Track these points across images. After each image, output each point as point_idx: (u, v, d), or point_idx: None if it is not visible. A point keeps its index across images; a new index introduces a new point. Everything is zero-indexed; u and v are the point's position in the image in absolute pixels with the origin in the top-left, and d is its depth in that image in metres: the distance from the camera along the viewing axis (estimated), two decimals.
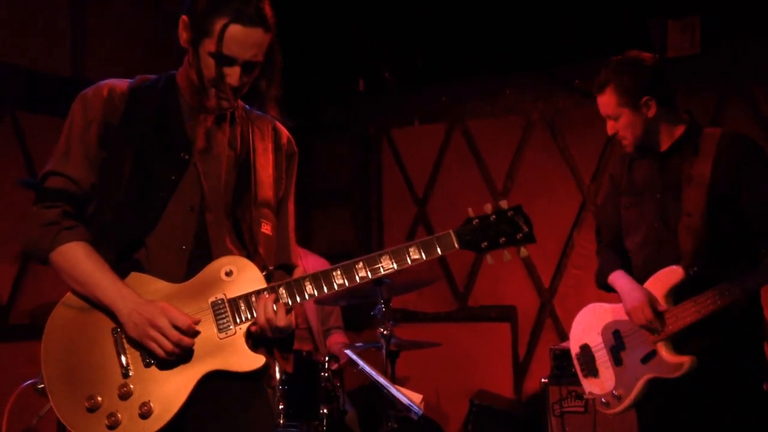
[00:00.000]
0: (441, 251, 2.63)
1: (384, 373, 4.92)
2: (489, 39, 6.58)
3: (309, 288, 2.59)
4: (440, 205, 7.15)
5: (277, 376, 4.39)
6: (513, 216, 2.66)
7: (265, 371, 2.62)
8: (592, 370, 3.89)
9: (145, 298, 2.54)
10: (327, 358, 4.77)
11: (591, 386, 3.90)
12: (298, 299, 2.59)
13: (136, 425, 2.49)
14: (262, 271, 2.63)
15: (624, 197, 3.82)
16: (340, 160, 7.46)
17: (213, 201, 2.66)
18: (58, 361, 2.57)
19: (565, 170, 6.61)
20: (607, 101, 3.69)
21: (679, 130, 3.68)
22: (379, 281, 4.81)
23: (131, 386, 2.52)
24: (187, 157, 2.65)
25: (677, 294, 3.58)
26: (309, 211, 7.29)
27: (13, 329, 5.26)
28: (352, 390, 6.05)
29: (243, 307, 2.57)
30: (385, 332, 5.19)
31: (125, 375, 2.53)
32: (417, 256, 2.61)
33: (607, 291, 3.91)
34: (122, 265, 2.59)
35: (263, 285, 2.60)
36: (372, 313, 5.14)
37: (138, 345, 2.53)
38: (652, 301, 3.57)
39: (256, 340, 2.63)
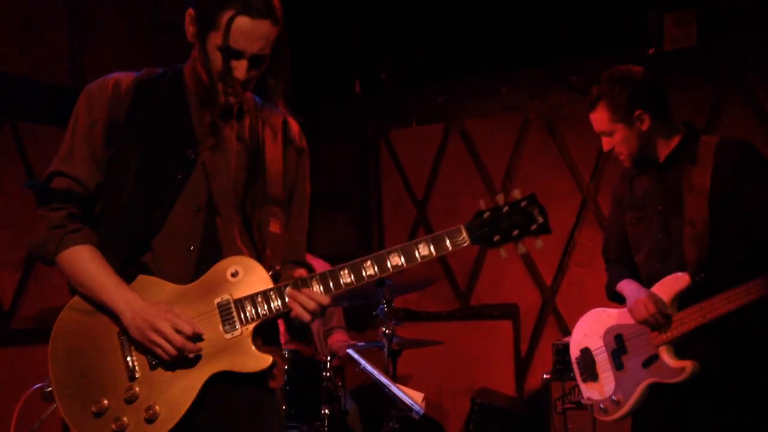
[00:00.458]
0: (451, 247, 2.54)
1: (386, 372, 4.92)
2: (484, 37, 6.55)
3: (316, 287, 2.55)
4: (440, 205, 7.14)
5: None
6: (527, 206, 2.56)
7: (270, 371, 2.59)
8: (591, 374, 3.85)
9: (151, 301, 2.51)
10: (328, 358, 4.78)
11: (590, 391, 3.86)
12: None
13: (142, 430, 2.47)
14: (268, 271, 2.59)
15: (629, 214, 3.79)
16: (338, 162, 7.45)
17: (222, 200, 2.62)
18: (66, 364, 2.55)
19: (564, 169, 6.59)
20: (599, 118, 3.67)
21: (676, 140, 3.65)
22: (381, 282, 4.82)
23: (137, 389, 2.50)
24: (193, 155, 2.61)
25: (682, 300, 3.55)
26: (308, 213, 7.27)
27: (16, 334, 5.27)
28: (354, 389, 6.07)
29: (249, 308, 2.53)
30: (387, 331, 5.20)
31: (131, 378, 2.51)
32: (426, 253, 2.54)
33: (617, 302, 3.86)
34: (130, 268, 2.57)
35: (269, 285, 2.56)
36: (374, 313, 5.15)
37: (143, 348, 2.51)
38: (655, 299, 3.55)
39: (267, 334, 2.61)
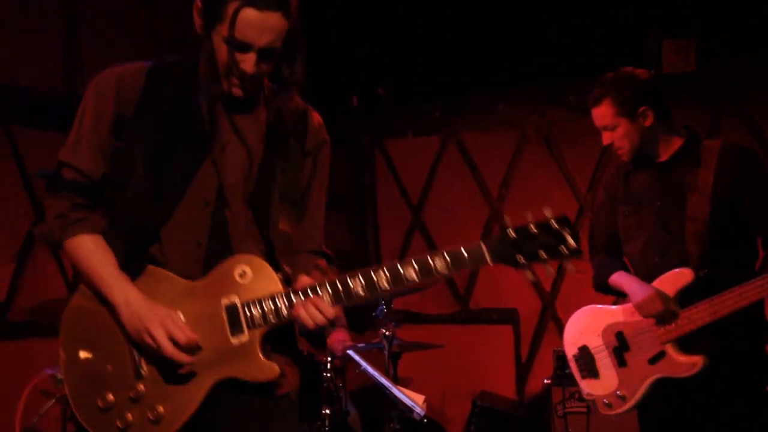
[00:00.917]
0: (470, 264, 2.39)
1: (386, 374, 4.90)
2: (483, 56, 6.58)
3: (326, 297, 2.42)
4: (436, 214, 7.18)
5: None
6: (557, 227, 2.38)
7: (279, 381, 2.50)
8: (591, 371, 3.85)
9: (158, 296, 2.45)
10: (329, 358, 4.75)
11: (590, 387, 3.86)
12: None
13: (147, 430, 2.42)
14: (277, 273, 2.50)
15: (622, 206, 3.83)
16: (334, 170, 7.43)
17: (232, 195, 2.55)
18: (75, 354, 2.50)
19: (561, 179, 6.63)
20: (603, 112, 3.70)
21: (678, 142, 3.71)
22: None
23: (143, 388, 2.44)
24: (201, 152, 2.55)
25: (684, 296, 3.56)
26: None
27: (13, 326, 5.24)
28: (354, 390, 6.03)
29: (257, 312, 2.44)
30: (387, 333, 5.18)
31: (137, 376, 2.45)
32: (443, 269, 2.39)
33: (605, 293, 3.91)
34: (137, 258, 2.51)
35: (279, 288, 2.46)
36: (374, 315, 5.12)
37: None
38: (663, 296, 3.56)
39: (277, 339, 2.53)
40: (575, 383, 4.01)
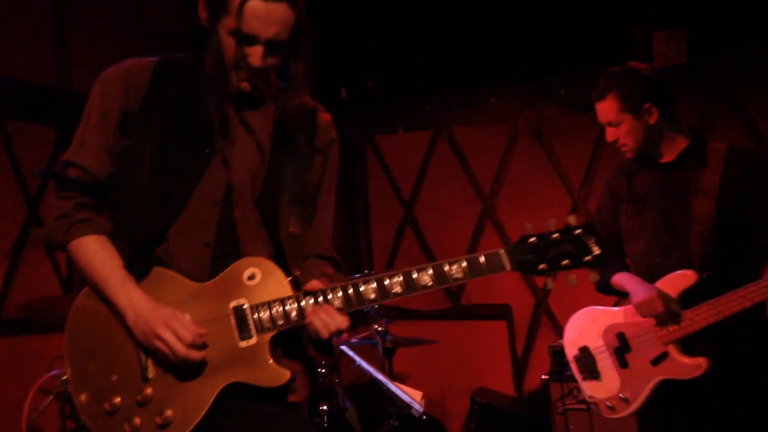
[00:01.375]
0: (488, 272, 2.35)
1: (382, 370, 4.89)
2: (474, 50, 6.54)
3: (337, 302, 2.39)
4: (427, 207, 7.16)
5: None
6: (581, 235, 2.33)
7: (289, 385, 2.45)
8: (592, 373, 3.82)
9: (164, 298, 2.41)
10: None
11: (592, 389, 3.83)
12: None
13: None
14: (287, 276, 2.45)
15: (625, 206, 3.80)
16: None
17: (240, 195, 2.51)
18: (81, 356, 2.45)
19: (554, 175, 6.62)
20: (608, 108, 3.66)
21: (683, 142, 3.68)
22: None
23: (150, 391, 2.39)
24: (207, 150, 2.50)
25: (687, 297, 3.54)
26: None
27: (7, 324, 5.17)
28: (351, 386, 6.02)
29: (266, 316, 2.40)
30: (380, 329, 5.18)
31: (144, 379, 2.41)
32: (460, 276, 2.36)
33: (607, 294, 3.87)
34: (143, 259, 2.47)
35: (288, 291, 2.42)
36: (365, 310, 5.10)
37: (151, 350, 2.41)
38: (665, 297, 3.55)
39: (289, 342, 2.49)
40: (573, 379, 3.99)
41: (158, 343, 2.35)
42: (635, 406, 3.69)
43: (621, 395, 3.72)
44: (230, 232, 2.49)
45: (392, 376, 5.05)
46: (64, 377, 2.54)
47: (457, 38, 6.57)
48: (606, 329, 3.81)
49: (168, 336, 2.34)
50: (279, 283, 2.43)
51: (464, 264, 2.36)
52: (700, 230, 3.55)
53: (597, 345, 3.83)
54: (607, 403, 3.77)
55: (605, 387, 3.78)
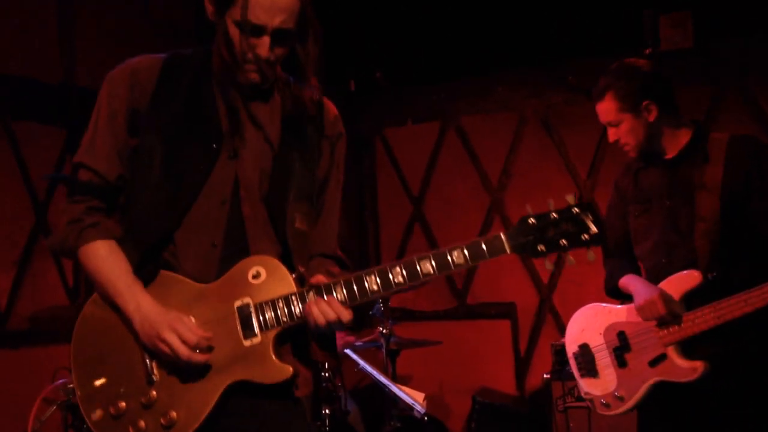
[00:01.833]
0: (489, 255, 2.33)
1: (385, 372, 4.91)
2: (481, 37, 6.54)
3: (340, 295, 2.37)
4: (436, 202, 7.15)
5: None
6: (579, 213, 2.32)
7: (294, 381, 2.46)
8: (591, 371, 3.82)
9: (170, 300, 2.43)
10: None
11: (589, 386, 3.83)
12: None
13: None
14: (292, 273, 2.44)
15: (632, 206, 3.76)
16: None
17: (248, 192, 2.50)
18: (86, 363, 2.48)
19: (561, 165, 6.61)
20: (607, 108, 3.65)
21: (685, 137, 3.63)
22: None
23: (155, 394, 2.41)
24: (215, 146, 2.49)
25: (691, 298, 3.51)
26: None
27: (12, 335, 5.22)
28: (352, 389, 6.05)
29: (269, 313, 2.39)
30: (384, 331, 5.19)
31: (149, 382, 2.42)
32: (461, 261, 2.34)
33: (616, 297, 3.83)
34: (151, 264, 2.48)
35: (292, 289, 2.41)
36: (371, 312, 5.12)
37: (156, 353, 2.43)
38: (666, 299, 3.52)
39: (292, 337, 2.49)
40: (573, 377, 3.98)
41: (162, 346, 2.37)
42: (629, 404, 3.68)
43: (616, 393, 3.71)
44: (238, 230, 2.49)
45: (395, 378, 5.07)
46: (70, 385, 2.53)
47: (462, 24, 6.56)
48: (608, 327, 3.79)
49: (172, 339, 2.35)
50: (283, 281, 2.42)
51: (465, 250, 2.35)
52: (705, 228, 3.50)
53: (597, 343, 3.82)
54: (602, 400, 3.76)
55: (602, 385, 3.77)
